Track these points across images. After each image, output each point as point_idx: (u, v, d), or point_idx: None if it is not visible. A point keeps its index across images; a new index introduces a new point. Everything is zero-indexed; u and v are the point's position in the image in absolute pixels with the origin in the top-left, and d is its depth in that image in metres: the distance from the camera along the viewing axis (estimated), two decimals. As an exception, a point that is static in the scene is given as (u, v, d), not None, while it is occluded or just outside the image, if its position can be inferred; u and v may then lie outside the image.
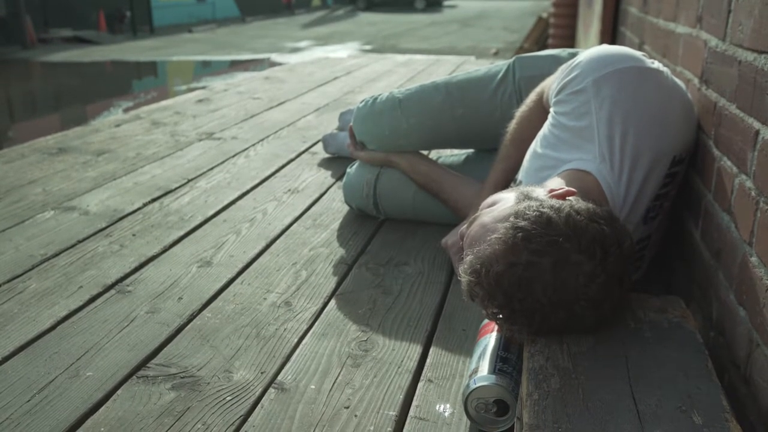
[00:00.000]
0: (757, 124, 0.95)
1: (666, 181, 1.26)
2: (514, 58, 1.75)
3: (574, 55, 1.59)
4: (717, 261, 1.12)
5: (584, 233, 0.94)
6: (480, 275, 0.97)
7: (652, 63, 1.25)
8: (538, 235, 0.94)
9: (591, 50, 1.28)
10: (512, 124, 1.50)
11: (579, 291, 0.93)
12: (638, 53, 1.27)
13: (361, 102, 1.89)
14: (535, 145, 1.34)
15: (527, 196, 1.06)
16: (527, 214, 0.97)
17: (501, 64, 1.76)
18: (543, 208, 0.98)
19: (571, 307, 0.94)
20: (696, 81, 1.34)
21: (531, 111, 1.46)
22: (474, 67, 4.94)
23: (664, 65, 1.30)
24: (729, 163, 1.08)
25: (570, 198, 1.03)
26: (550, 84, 1.36)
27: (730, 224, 1.06)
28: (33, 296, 1.45)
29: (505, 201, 1.08)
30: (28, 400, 1.09)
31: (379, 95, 1.85)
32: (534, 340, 0.98)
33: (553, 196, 1.05)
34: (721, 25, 1.16)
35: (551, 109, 1.31)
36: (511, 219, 0.98)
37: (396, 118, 1.78)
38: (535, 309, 0.94)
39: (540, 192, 1.08)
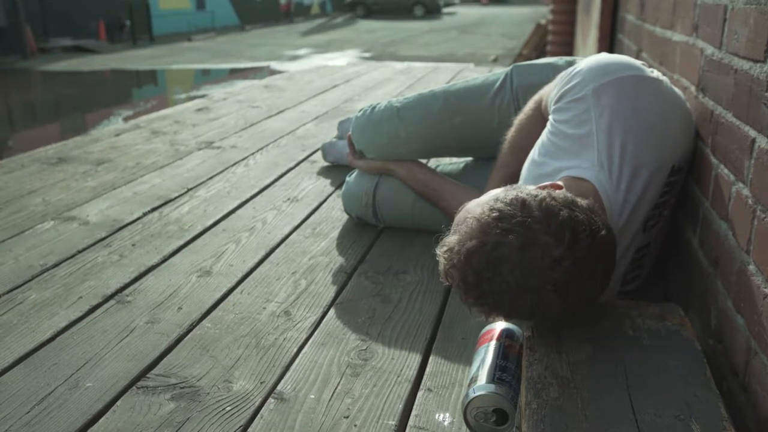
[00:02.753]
0: (753, 133, 0.96)
1: (665, 189, 1.26)
2: (511, 66, 1.76)
3: (571, 63, 1.60)
4: (715, 269, 1.12)
5: (555, 216, 0.96)
6: (452, 252, 0.99)
7: (652, 72, 1.26)
8: (510, 215, 0.96)
9: (591, 58, 1.29)
10: (510, 132, 1.51)
11: (545, 273, 0.94)
12: (638, 62, 1.27)
13: (359, 111, 1.89)
14: (534, 154, 1.34)
15: (514, 187, 1.08)
16: (506, 197, 1.00)
17: (498, 73, 1.77)
18: (521, 193, 1.01)
19: (537, 290, 0.94)
20: (693, 89, 1.34)
21: (529, 119, 1.46)
22: (473, 74, 4.95)
23: (662, 73, 1.30)
24: (726, 170, 1.09)
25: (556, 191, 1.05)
26: (549, 92, 1.36)
27: (727, 232, 1.06)
28: (32, 307, 1.45)
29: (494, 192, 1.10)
30: (28, 412, 1.10)
31: (378, 104, 1.85)
32: (532, 348, 0.98)
33: (539, 188, 1.07)
34: (717, 33, 1.17)
35: (550, 117, 1.31)
36: (491, 202, 1.01)
37: (394, 127, 1.79)
38: (503, 290, 0.95)
39: (530, 187, 1.10)
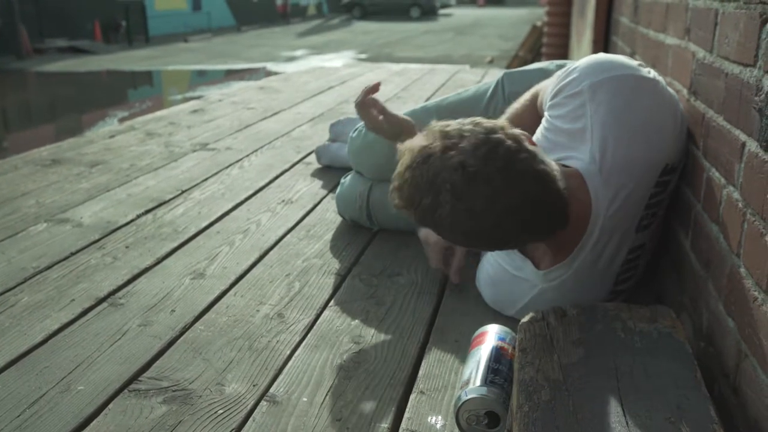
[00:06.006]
0: (743, 136, 0.96)
1: (658, 189, 1.27)
2: (502, 73, 1.77)
3: (561, 67, 1.60)
4: (706, 271, 1.12)
5: (488, 134, 1.05)
6: (407, 148, 1.11)
7: (648, 72, 1.28)
8: (459, 124, 1.08)
9: (589, 57, 1.31)
10: (501, 119, 1.52)
11: (449, 173, 1.03)
12: (635, 62, 1.29)
13: (353, 131, 1.89)
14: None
15: None
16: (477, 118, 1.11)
17: (489, 83, 1.78)
18: (487, 120, 1.10)
19: (439, 189, 1.03)
20: (685, 92, 1.35)
21: (524, 109, 1.48)
22: (469, 75, 4.96)
23: (654, 76, 1.31)
24: (717, 174, 1.09)
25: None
26: (545, 88, 1.37)
27: (718, 235, 1.06)
28: (25, 309, 1.44)
29: None
30: (19, 416, 1.09)
31: None
32: (524, 350, 0.98)
33: None
34: (709, 37, 1.17)
35: (546, 114, 1.32)
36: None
37: (388, 146, 1.78)
38: (418, 183, 1.05)
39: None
